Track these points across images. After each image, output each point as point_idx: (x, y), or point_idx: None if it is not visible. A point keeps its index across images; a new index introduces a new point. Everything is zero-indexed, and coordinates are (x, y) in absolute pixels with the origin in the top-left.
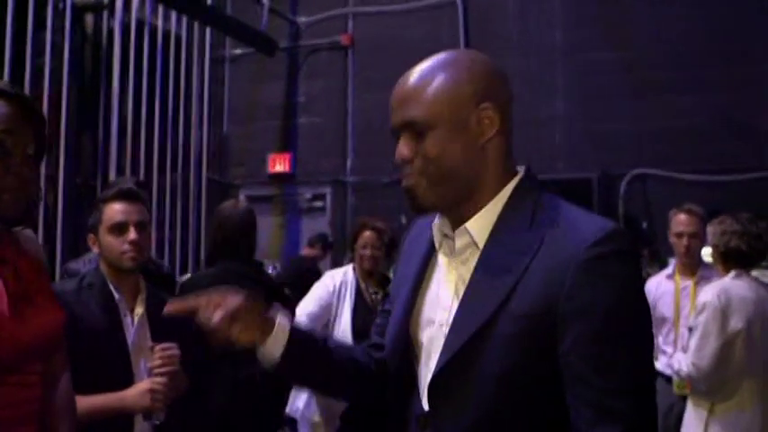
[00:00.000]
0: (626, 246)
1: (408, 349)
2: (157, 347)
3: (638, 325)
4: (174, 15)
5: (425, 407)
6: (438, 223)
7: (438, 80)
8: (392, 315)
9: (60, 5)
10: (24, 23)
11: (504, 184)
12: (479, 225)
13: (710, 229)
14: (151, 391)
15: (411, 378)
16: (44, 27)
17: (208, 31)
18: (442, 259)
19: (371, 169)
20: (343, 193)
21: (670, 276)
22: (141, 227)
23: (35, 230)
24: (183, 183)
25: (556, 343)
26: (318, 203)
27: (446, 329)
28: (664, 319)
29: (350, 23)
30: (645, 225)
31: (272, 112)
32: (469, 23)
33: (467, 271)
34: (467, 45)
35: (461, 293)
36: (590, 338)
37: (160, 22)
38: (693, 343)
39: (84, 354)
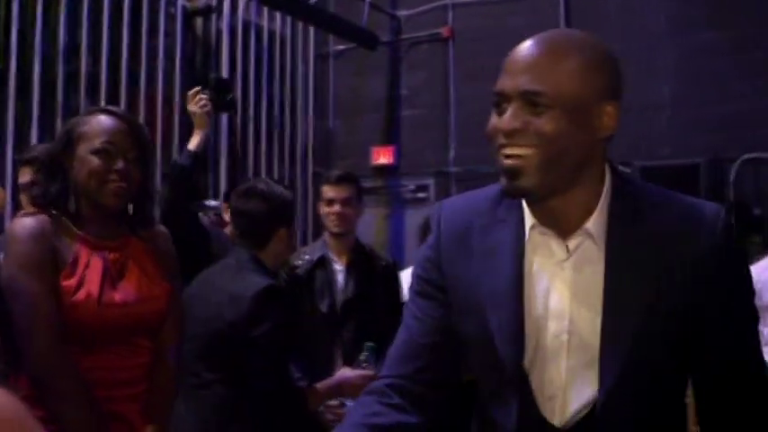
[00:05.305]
0: (733, 226)
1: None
2: None
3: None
4: (278, 16)
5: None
6: (535, 226)
7: (575, 58)
8: (493, 327)
9: (172, 10)
10: (139, 29)
11: (603, 181)
12: (597, 225)
13: None
14: None
15: (526, 396)
16: (157, 32)
17: (311, 29)
18: (538, 262)
19: (474, 159)
20: (446, 183)
21: None
22: None
23: None
24: (291, 176)
25: (697, 334)
26: (422, 194)
27: (566, 339)
28: None
29: (449, 15)
30: (757, 212)
31: (376, 105)
32: (571, 9)
33: (582, 274)
34: None
35: (585, 299)
36: (739, 325)
37: (266, 23)
38: None
39: None
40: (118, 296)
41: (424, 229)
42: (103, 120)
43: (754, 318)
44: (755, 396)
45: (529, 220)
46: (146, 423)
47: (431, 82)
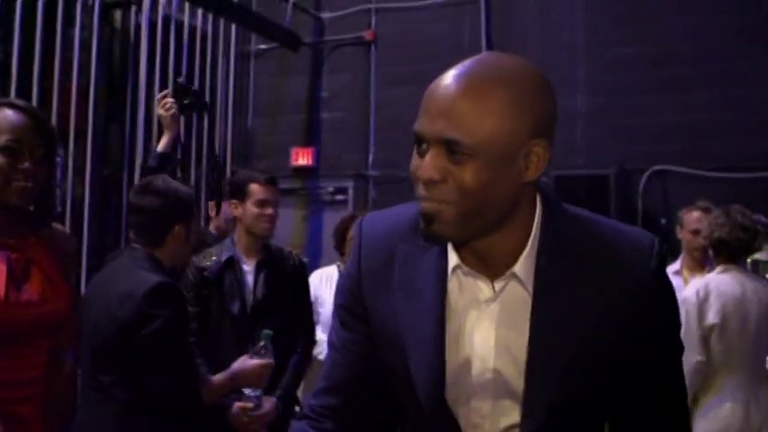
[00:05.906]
0: (665, 256)
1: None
2: None
3: None
4: (200, 12)
5: None
6: (459, 266)
7: (499, 97)
8: (414, 367)
9: (89, 2)
10: (54, 19)
11: (533, 219)
12: (524, 267)
13: (704, 223)
14: None
15: (450, 425)
16: (73, 23)
17: (233, 27)
18: (463, 301)
19: (393, 164)
20: (365, 186)
21: (677, 272)
22: None
23: (62, 220)
24: (209, 175)
25: (627, 365)
26: (341, 197)
27: (490, 377)
28: None
29: (373, 19)
30: (664, 221)
31: (296, 106)
32: (491, 19)
33: (509, 314)
34: (488, 40)
35: (512, 339)
36: (668, 354)
37: (186, 19)
38: None
39: None
40: (23, 296)
41: (340, 233)
42: (9, 114)
43: (681, 347)
44: (679, 424)
45: (453, 258)
46: (44, 429)
47: (352, 85)
